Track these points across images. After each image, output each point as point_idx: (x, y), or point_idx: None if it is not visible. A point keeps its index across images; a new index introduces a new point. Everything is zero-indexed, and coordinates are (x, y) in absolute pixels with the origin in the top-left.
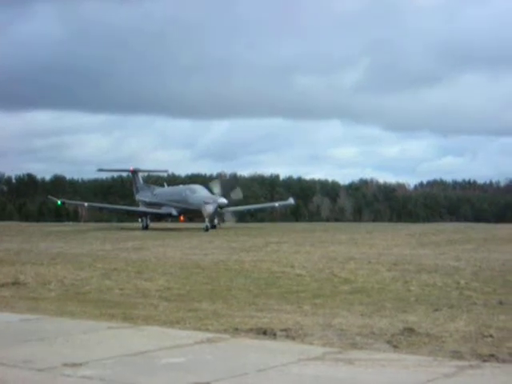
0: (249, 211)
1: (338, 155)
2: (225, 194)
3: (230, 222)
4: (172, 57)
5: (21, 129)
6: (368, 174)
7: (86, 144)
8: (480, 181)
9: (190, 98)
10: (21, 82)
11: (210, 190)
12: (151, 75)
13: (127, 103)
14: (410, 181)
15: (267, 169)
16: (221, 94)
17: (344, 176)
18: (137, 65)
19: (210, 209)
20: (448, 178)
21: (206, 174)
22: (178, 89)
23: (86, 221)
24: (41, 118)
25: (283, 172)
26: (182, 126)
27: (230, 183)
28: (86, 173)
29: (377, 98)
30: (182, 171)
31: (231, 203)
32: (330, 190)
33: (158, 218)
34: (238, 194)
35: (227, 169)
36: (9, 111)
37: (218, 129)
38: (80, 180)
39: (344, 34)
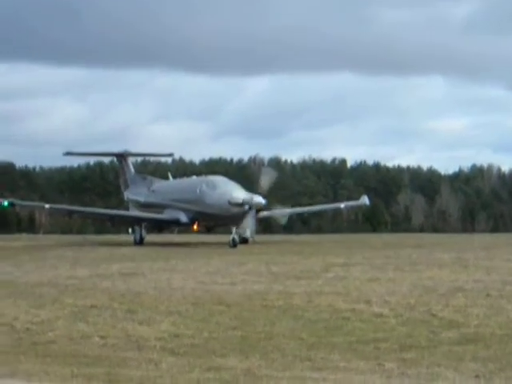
0: (300, 216)
1: (438, 130)
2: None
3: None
4: None
5: None
6: (487, 158)
7: (49, 114)
8: None
9: (209, 42)
10: None
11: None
12: (152, 10)
13: (114, 51)
14: None
15: (327, 150)
16: (257, 37)
17: (448, 162)
18: None
19: (239, 213)
20: None
21: (232, 160)
22: (191, 30)
23: (47, 232)
24: None
25: (352, 156)
26: (197, 86)
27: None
28: (48, 158)
29: (500, 42)
30: (198, 155)
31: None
32: (425, 183)
33: (159, 226)
34: (268, 174)
35: (267, 151)
36: None
37: (253, 90)
38: (38, 169)
39: None
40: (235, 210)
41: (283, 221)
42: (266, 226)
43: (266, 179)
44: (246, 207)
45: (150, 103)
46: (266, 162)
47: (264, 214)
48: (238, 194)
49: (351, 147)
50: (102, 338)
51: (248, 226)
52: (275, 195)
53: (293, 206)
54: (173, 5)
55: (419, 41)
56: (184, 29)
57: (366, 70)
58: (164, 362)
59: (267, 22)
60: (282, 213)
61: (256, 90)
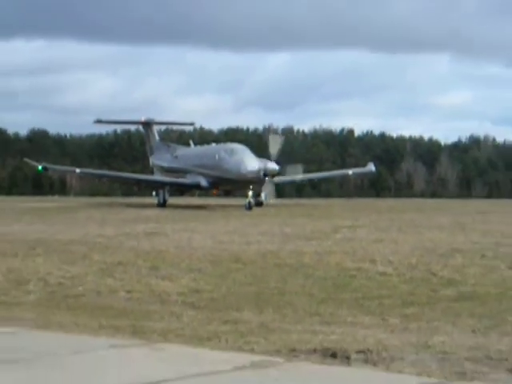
0: (310, 181)
1: (443, 103)
2: (280, 158)
3: (268, 198)
4: None
5: None
6: (487, 129)
7: (85, 86)
8: None
9: (235, 22)
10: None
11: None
12: None
13: (144, 29)
14: None
15: (337, 122)
16: (280, 17)
17: (449, 132)
18: None
19: (254, 179)
20: None
21: (248, 129)
22: (217, 9)
23: (77, 194)
24: (21, 49)
25: (361, 126)
26: (221, 62)
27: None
28: (79, 127)
29: (502, 24)
30: (217, 125)
31: (285, 172)
32: (426, 152)
33: (181, 190)
34: (297, 170)
35: (281, 122)
36: None
37: (273, 65)
38: (69, 136)
39: None
40: (251, 175)
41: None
42: (278, 190)
43: (275, 145)
44: (261, 173)
45: (177, 77)
46: (279, 131)
47: (277, 179)
48: (254, 160)
49: (360, 118)
50: (127, 292)
51: (263, 191)
52: (287, 162)
53: (303, 172)
54: None
55: (428, 23)
56: (210, 8)
57: (379, 47)
58: (185, 315)
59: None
60: (296, 169)
61: (276, 64)
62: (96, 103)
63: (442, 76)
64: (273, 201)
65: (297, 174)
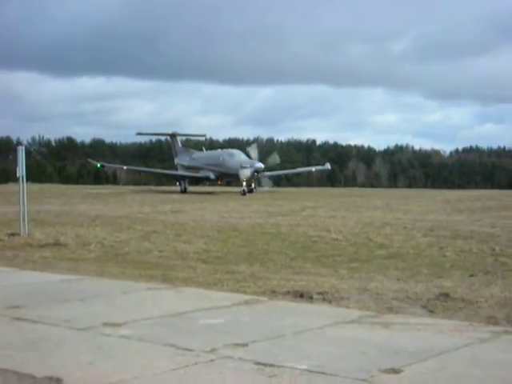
0: (285, 176)
1: (378, 122)
2: (261, 159)
3: (266, 187)
4: (220, 26)
5: (70, 93)
6: (407, 140)
7: (132, 109)
8: None
9: (236, 64)
10: (73, 48)
11: (248, 155)
12: (199, 43)
13: (175, 70)
14: (449, 148)
15: (306, 135)
16: (267, 61)
17: (382, 142)
18: (186, 33)
19: (247, 173)
20: (484, 145)
21: (243, 139)
22: (225, 56)
23: (124, 184)
24: (90, 83)
25: (322, 138)
26: (226, 92)
27: (266, 148)
28: (126, 137)
29: (421, 66)
30: (222, 136)
31: (268, 168)
32: (365, 155)
33: (196, 181)
34: (275, 158)
35: (266, 134)
36: (60, 76)
37: (262, 95)
38: (119, 144)
39: (392, 5)
40: (244, 171)
41: (270, 185)
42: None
43: (254, 152)
44: (252, 169)
45: (196, 103)
46: (264, 141)
47: (263, 174)
48: (247, 161)
49: (322, 132)
50: (159, 251)
51: (263, 184)
52: (270, 163)
53: (280, 169)
54: (212, 40)
55: (369, 67)
56: (219, 55)
57: (335, 83)
58: (198, 267)
59: (289, 48)
60: (271, 174)
61: (263, 94)
62: (138, 121)
63: (377, 103)
64: (269, 188)
65: (275, 161)
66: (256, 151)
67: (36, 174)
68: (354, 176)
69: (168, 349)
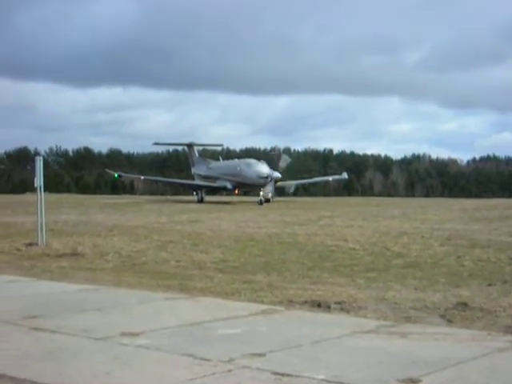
0: (302, 185)
1: (394, 131)
2: (277, 168)
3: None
4: (236, 36)
5: (87, 104)
6: (424, 149)
7: (148, 119)
8: None
9: (252, 74)
10: (91, 58)
11: (272, 163)
12: (215, 54)
13: (191, 80)
14: (466, 156)
15: (323, 144)
16: (283, 71)
17: (399, 151)
18: (202, 44)
19: (267, 190)
20: (501, 154)
21: (260, 149)
22: (241, 66)
23: (141, 193)
24: (104, 94)
25: (339, 147)
26: (242, 102)
27: (278, 156)
28: (143, 147)
29: (436, 76)
30: (239, 146)
31: (285, 175)
32: (382, 164)
33: (213, 191)
34: (285, 160)
35: (282, 143)
36: (78, 87)
37: (278, 104)
38: (136, 154)
39: (408, 14)
40: (262, 180)
41: (292, 189)
42: (280, 191)
43: (284, 162)
44: (269, 179)
45: (212, 113)
46: (281, 151)
47: (280, 184)
48: (264, 170)
49: (338, 142)
50: (176, 261)
51: (270, 191)
52: (288, 172)
53: (297, 179)
54: (228, 50)
55: (386, 76)
56: (235, 65)
57: (352, 93)
58: (216, 277)
59: (306, 58)
60: (290, 184)
61: (280, 104)
62: (155, 131)
63: (393, 112)
64: (274, 198)
65: (291, 186)
66: (287, 163)
67: (53, 184)
68: (371, 185)
69: (186, 359)
